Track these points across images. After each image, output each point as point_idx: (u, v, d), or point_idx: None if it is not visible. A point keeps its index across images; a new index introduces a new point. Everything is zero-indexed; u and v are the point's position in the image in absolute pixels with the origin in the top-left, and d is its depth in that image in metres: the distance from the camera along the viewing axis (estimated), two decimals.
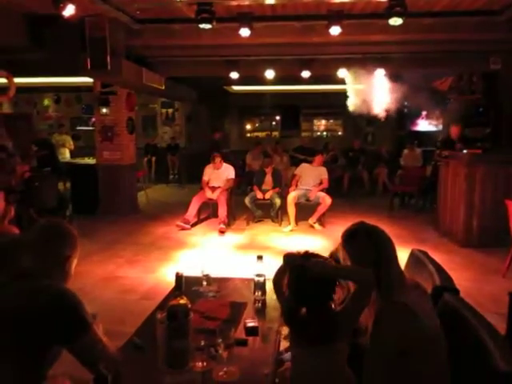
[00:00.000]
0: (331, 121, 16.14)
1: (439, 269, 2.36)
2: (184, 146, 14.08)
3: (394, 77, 8.39)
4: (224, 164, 7.86)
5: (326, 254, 2.15)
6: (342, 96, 9.32)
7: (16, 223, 5.49)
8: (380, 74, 8.55)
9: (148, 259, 5.86)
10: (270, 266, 2.37)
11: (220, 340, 1.92)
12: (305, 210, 7.66)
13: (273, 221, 7.99)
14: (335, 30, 6.16)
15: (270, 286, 2.69)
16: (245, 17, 6.29)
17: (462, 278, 4.81)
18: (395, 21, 5.51)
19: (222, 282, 2.94)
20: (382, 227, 2.00)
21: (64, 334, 1.68)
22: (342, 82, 9.14)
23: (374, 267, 1.86)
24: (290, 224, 7.48)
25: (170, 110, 14.79)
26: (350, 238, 1.97)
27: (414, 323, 1.72)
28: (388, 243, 1.93)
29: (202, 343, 1.95)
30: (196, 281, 2.86)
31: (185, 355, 1.87)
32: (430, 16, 6.56)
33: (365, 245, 1.90)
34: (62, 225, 1.95)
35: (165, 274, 5.19)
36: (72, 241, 1.93)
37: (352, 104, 9.36)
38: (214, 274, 2.94)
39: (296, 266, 1.90)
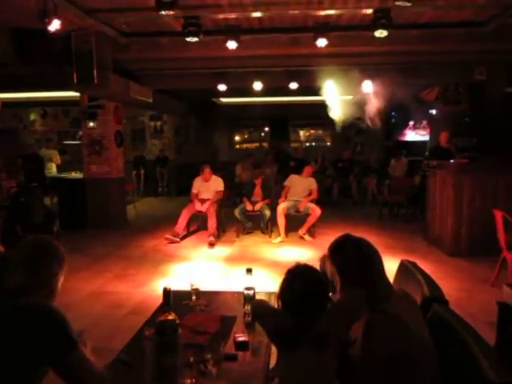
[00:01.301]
0: (320, 131, 16.25)
1: (428, 279, 2.37)
2: (173, 159, 14.08)
3: (379, 87, 8.49)
4: (213, 176, 7.87)
5: (315, 264, 2.15)
6: (331, 107, 9.40)
7: (1, 240, 5.44)
8: (367, 84, 8.64)
9: (137, 273, 5.81)
10: (260, 279, 2.37)
11: (209, 355, 1.90)
12: (295, 222, 7.67)
13: (263, 232, 7.99)
14: (322, 42, 6.23)
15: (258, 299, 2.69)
16: (232, 29, 6.34)
17: (451, 287, 4.84)
18: (381, 33, 5.58)
19: (211, 295, 2.92)
20: (372, 237, 2.01)
21: (50, 353, 1.66)
22: (330, 93, 9.22)
23: (362, 279, 1.86)
24: (279, 235, 7.48)
25: (159, 123, 14.80)
26: (336, 251, 1.98)
27: (404, 333, 1.72)
28: (374, 254, 1.94)
29: (191, 359, 1.93)
30: (185, 295, 2.84)
31: (174, 372, 1.85)
32: (415, 28, 6.66)
33: (351, 257, 1.91)
34: (49, 242, 1.93)
35: (154, 288, 5.15)
36: (59, 258, 1.91)
37: (340, 114, 9.44)
38: (204, 287, 2.93)
39: (297, 273, 1.91)
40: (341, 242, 1.99)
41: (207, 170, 7.73)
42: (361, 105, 9.49)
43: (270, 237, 7.67)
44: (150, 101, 9.09)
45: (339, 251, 1.96)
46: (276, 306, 1.98)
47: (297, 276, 1.88)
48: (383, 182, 10.08)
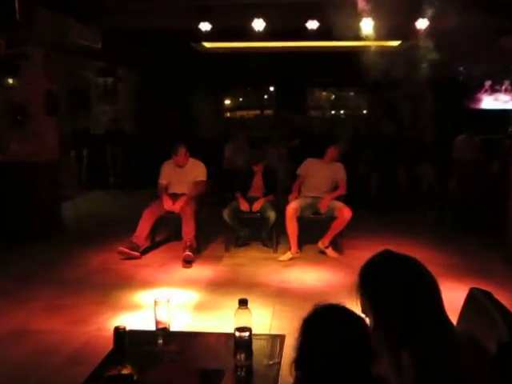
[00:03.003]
0: (351, 94, 16.25)
1: (507, 316, 2.38)
2: (131, 133, 14.04)
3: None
4: (191, 160, 7.87)
5: (342, 295, 2.15)
6: (368, 58, 9.38)
7: None
8: (421, 24, 8.62)
9: (77, 304, 5.81)
10: (259, 315, 2.38)
11: None
12: (312, 229, 7.70)
13: (265, 244, 8.02)
14: None
15: (257, 346, 2.71)
16: None
17: None
18: None
19: (186, 338, 2.94)
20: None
21: None
22: (367, 36, 9.19)
23: (406, 318, 1.88)
24: (290, 249, 7.49)
25: (111, 80, 14.76)
26: (368, 276, 1.98)
27: None
28: (428, 282, 1.95)
29: None
30: (147, 337, 2.86)
31: None
32: None
33: (391, 286, 1.92)
34: None
35: (102, 327, 5.16)
36: None
37: (381, 69, 9.42)
38: (176, 326, 2.94)
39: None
40: (377, 262, 2.00)
41: (182, 151, 7.73)
42: (413, 54, 9.47)
43: (276, 251, 7.70)
44: (98, 47, 9.07)
45: (374, 277, 1.97)
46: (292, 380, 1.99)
47: (321, 329, 1.88)
48: (446, 171, 10.04)
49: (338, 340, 1.80)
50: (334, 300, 1.92)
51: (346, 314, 1.88)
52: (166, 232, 8.16)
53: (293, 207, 7.47)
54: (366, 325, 1.92)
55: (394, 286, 1.92)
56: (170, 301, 2.90)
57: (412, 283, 1.93)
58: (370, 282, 1.98)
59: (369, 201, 10.61)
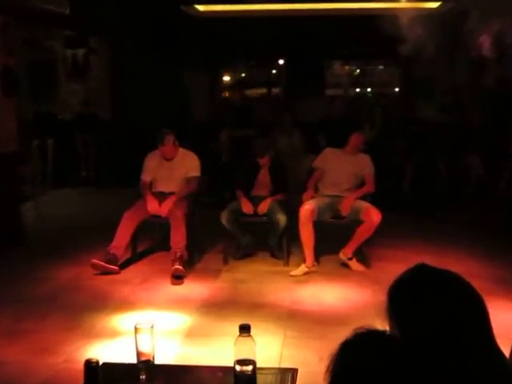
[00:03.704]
0: (380, 67, 16.26)
1: None
2: (106, 118, 14.03)
3: None
4: (181, 150, 7.88)
5: (369, 318, 2.15)
6: (401, 23, 9.39)
7: None
8: None
9: (40, 329, 5.82)
10: (266, 345, 2.38)
11: None
12: (332, 236, 7.71)
13: (273, 255, 8.04)
14: None
15: (263, 382, 2.70)
16: None
17: None
18: None
19: (175, 373, 2.94)
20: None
21: None
22: None
23: (443, 346, 1.87)
24: (304, 261, 7.49)
25: (81, 52, 14.76)
26: (397, 297, 1.98)
27: None
28: (471, 302, 1.94)
29: None
30: (127, 371, 2.86)
31: None
32: None
33: (423, 309, 1.92)
34: None
35: (71, 358, 5.16)
36: None
37: (418, 37, 9.43)
38: (162, 358, 2.94)
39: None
40: (408, 280, 2.00)
41: (170, 141, 7.73)
42: (455, 18, 9.48)
43: (287, 264, 7.70)
44: (66, 12, 9.08)
45: (404, 298, 1.97)
46: None
47: (361, 355, 1.88)
48: (498, 163, 10.02)
49: (378, 369, 1.80)
50: (358, 324, 1.92)
51: (391, 343, 1.88)
52: (150, 240, 8.17)
53: (308, 209, 7.45)
54: (412, 360, 1.92)
55: (429, 310, 1.91)
56: (154, 326, 2.89)
57: (452, 305, 1.92)
58: (399, 304, 1.97)
59: (402, 200, 10.60)
